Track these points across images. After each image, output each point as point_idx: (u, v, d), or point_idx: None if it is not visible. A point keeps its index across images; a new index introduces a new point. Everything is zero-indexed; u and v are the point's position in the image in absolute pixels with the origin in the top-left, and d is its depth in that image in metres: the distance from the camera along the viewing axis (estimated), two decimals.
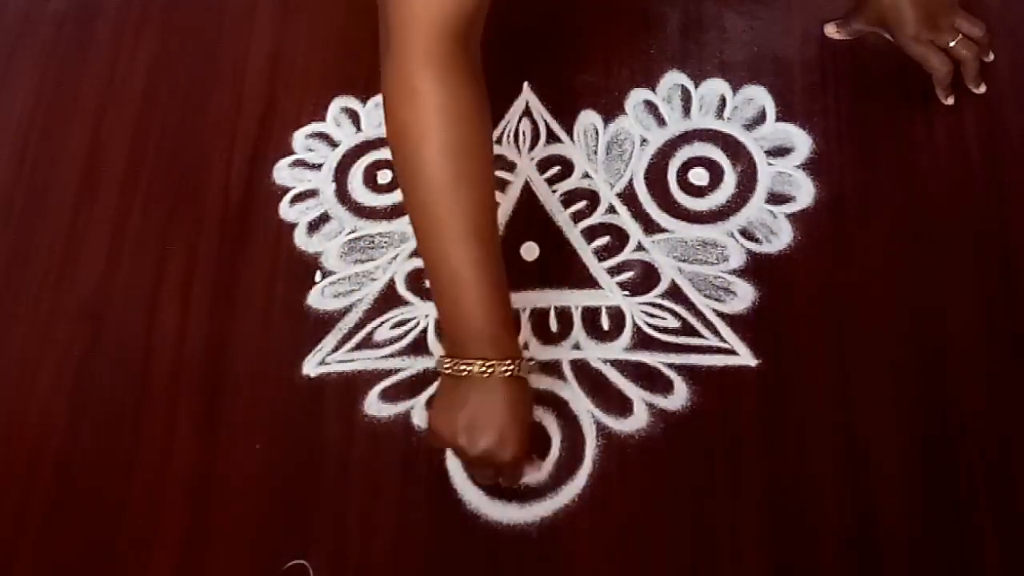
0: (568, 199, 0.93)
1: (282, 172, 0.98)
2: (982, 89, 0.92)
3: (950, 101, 0.92)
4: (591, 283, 0.90)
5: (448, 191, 0.72)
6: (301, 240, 0.95)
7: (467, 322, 0.74)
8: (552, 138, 0.96)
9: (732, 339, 0.86)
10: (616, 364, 0.86)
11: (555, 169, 0.95)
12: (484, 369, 0.73)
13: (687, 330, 0.87)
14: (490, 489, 0.82)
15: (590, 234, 0.92)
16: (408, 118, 0.73)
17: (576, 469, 0.82)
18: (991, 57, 0.93)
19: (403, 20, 0.73)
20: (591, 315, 0.88)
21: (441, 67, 0.72)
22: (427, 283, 0.87)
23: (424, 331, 0.89)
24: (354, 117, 1.00)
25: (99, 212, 0.98)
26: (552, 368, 0.86)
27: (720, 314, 0.87)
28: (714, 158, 0.94)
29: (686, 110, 0.96)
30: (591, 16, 1.02)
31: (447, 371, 0.75)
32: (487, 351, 0.73)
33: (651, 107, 0.97)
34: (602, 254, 0.91)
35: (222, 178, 0.98)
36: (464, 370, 0.73)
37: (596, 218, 0.92)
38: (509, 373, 0.73)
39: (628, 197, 0.93)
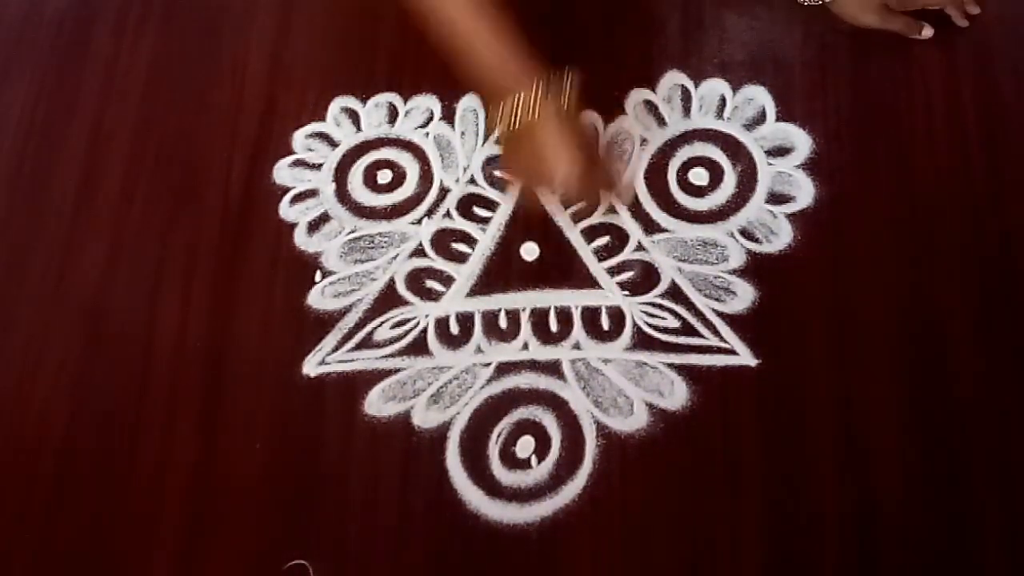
0: (568, 199, 0.93)
1: (282, 172, 0.98)
2: (973, 14, 0.96)
3: (927, 33, 0.95)
4: (591, 283, 0.90)
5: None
6: (301, 240, 0.95)
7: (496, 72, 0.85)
8: None
9: (732, 339, 0.86)
10: (616, 364, 0.86)
11: None
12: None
13: (687, 330, 0.87)
14: (491, 489, 0.82)
15: (590, 234, 0.92)
16: None
17: (576, 469, 0.82)
18: (977, 9, 0.96)
19: None
20: (591, 315, 0.88)
21: None
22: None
23: (424, 331, 0.89)
24: (354, 117, 1.00)
25: (99, 212, 0.98)
26: (552, 368, 0.86)
27: (720, 314, 0.87)
28: (714, 158, 0.94)
29: (686, 110, 0.96)
30: (591, 16, 1.02)
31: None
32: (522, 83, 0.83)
33: (651, 107, 0.97)
34: (602, 254, 0.91)
35: (222, 178, 0.98)
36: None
37: (596, 218, 0.92)
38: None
39: None
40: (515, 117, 0.84)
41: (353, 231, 0.95)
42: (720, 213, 0.92)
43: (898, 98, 0.94)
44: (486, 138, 0.97)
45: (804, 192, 0.91)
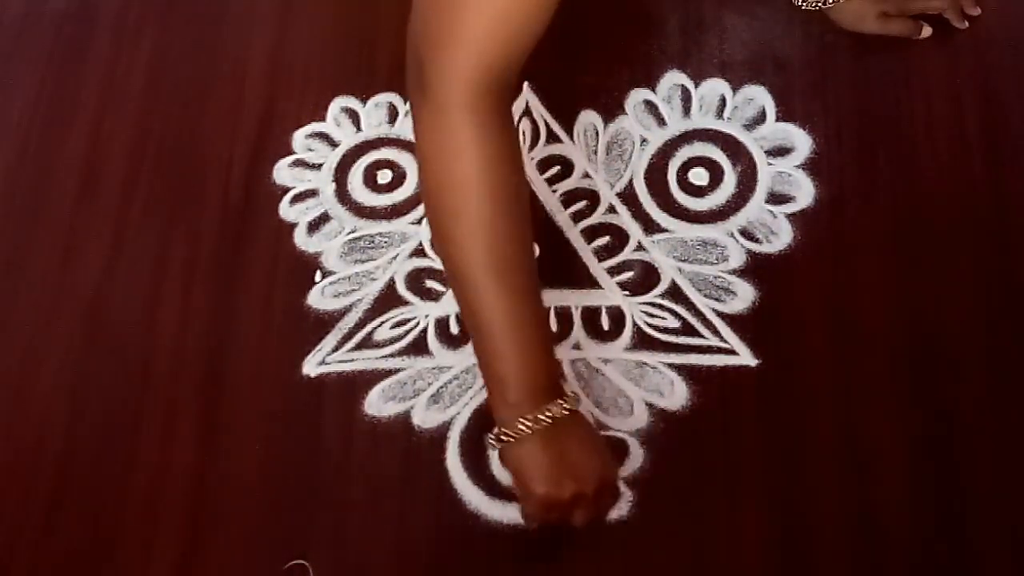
0: (568, 199, 0.93)
1: (282, 172, 0.98)
2: (972, 15, 0.96)
3: (927, 32, 0.96)
4: (591, 283, 0.90)
5: (493, 248, 0.71)
6: (301, 240, 0.95)
7: (527, 378, 0.72)
8: (552, 138, 0.96)
9: (732, 339, 0.86)
10: (616, 364, 0.86)
11: (555, 169, 0.95)
12: (562, 412, 0.72)
13: (687, 330, 0.87)
14: (491, 489, 0.82)
15: (590, 234, 0.92)
16: (450, 169, 0.70)
17: None
18: (977, 10, 0.96)
19: (446, 74, 0.69)
20: (591, 315, 0.88)
21: (484, 121, 0.70)
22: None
23: (424, 331, 0.89)
24: (354, 117, 1.00)
25: (99, 212, 0.98)
26: None
27: (720, 314, 0.87)
28: (714, 158, 0.94)
29: (686, 110, 0.96)
30: (591, 16, 1.02)
31: (524, 429, 0.71)
32: (551, 395, 0.72)
33: (651, 107, 0.97)
34: (602, 254, 0.91)
35: (222, 178, 0.98)
36: (544, 420, 0.71)
37: (596, 218, 0.92)
38: (578, 403, 0.74)
39: (628, 197, 0.93)
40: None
41: (353, 231, 0.95)
42: (720, 213, 0.92)
43: (898, 98, 0.95)
44: None
45: (804, 192, 0.91)
